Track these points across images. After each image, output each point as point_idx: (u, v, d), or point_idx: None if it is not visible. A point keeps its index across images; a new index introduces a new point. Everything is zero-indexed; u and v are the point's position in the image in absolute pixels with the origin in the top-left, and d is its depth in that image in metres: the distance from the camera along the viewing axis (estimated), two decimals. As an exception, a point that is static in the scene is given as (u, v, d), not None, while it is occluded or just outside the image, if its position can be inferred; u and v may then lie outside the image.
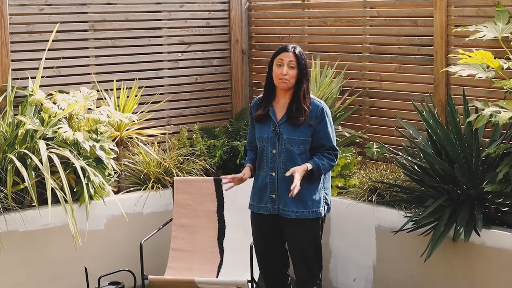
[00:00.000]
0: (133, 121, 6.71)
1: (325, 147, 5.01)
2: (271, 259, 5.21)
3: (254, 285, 5.64)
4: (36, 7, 6.62)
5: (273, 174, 5.01)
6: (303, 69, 4.98)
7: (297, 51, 4.98)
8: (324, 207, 5.06)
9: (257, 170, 5.14)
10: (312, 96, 5.08)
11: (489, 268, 5.35)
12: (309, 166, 4.92)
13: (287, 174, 4.87)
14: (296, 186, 4.80)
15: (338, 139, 6.56)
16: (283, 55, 4.98)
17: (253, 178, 5.22)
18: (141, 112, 6.95)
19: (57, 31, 6.61)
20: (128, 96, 6.82)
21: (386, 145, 6.38)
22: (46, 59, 6.53)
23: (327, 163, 4.98)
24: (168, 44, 7.34)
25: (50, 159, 5.91)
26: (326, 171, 5.03)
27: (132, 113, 6.77)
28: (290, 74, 4.95)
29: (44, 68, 6.52)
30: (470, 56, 5.39)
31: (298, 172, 4.85)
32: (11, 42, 6.49)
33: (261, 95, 5.16)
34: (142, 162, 6.77)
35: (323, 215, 5.07)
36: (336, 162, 5.06)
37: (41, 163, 5.81)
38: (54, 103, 6.34)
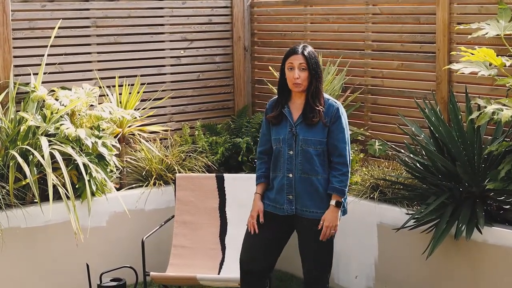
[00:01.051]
0: (135, 117, 6.71)
1: (337, 150, 4.92)
2: (260, 259, 5.10)
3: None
4: (38, 3, 6.63)
5: (290, 175, 4.96)
6: (312, 69, 4.91)
7: (306, 52, 4.91)
8: (341, 209, 5.01)
9: (272, 172, 5.07)
10: (327, 96, 5.02)
11: (491, 265, 5.35)
12: (332, 202, 4.91)
13: (319, 227, 4.92)
14: (324, 235, 4.91)
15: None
16: (293, 58, 4.92)
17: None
18: (143, 109, 6.95)
19: (59, 28, 6.61)
20: (130, 93, 6.82)
21: (388, 143, 6.38)
22: (48, 55, 6.53)
23: (344, 179, 4.92)
24: (171, 41, 7.34)
25: (52, 156, 5.92)
26: (347, 185, 4.97)
27: (134, 109, 6.77)
28: (302, 76, 4.89)
29: (46, 64, 6.53)
30: (472, 54, 5.39)
31: (330, 223, 4.90)
32: (14, 39, 6.49)
33: (276, 97, 5.13)
34: (144, 159, 6.77)
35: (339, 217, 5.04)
36: (348, 167, 4.94)
37: (43, 159, 5.82)
38: (56, 100, 6.34)
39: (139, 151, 6.84)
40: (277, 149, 5.01)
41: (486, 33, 5.56)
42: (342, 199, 4.96)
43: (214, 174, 6.38)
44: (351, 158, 5.04)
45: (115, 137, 6.54)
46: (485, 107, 5.20)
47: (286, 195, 4.98)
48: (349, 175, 4.98)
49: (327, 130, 4.93)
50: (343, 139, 4.93)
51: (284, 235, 5.11)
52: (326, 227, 4.91)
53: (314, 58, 4.93)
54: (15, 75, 6.47)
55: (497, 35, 5.56)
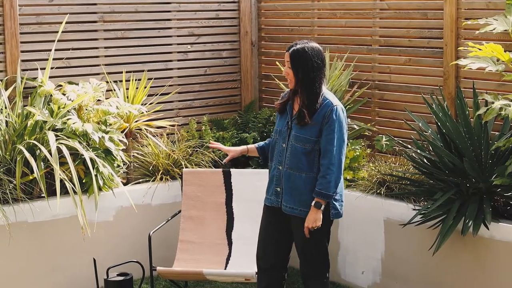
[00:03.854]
0: (142, 112, 6.71)
1: (324, 151, 4.86)
2: (270, 253, 5.14)
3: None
4: (45, -2, 6.65)
5: (280, 167, 4.99)
6: (295, 68, 4.85)
7: (291, 50, 4.85)
8: (329, 211, 4.95)
9: (269, 161, 5.14)
10: (329, 95, 4.93)
11: (498, 261, 5.34)
12: (312, 203, 4.87)
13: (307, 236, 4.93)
14: (306, 233, 4.92)
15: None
16: (285, 54, 4.92)
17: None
18: (150, 104, 6.96)
19: (66, 22, 6.62)
20: (137, 88, 6.83)
21: (395, 138, 6.37)
22: (55, 50, 6.54)
23: (324, 182, 4.83)
24: (178, 36, 7.34)
25: (59, 150, 5.93)
26: (332, 188, 4.85)
27: (141, 104, 6.77)
28: (290, 74, 4.89)
29: (54, 59, 6.53)
30: (480, 49, 5.37)
31: (309, 224, 4.89)
32: (21, 33, 6.50)
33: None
34: (151, 154, 6.78)
35: (331, 219, 5.00)
36: (331, 170, 4.82)
37: (50, 154, 5.82)
38: (64, 94, 6.34)
39: (146, 146, 6.84)
40: (274, 140, 5.08)
41: (494, 29, 5.55)
42: (325, 202, 4.86)
43: (221, 169, 6.37)
44: (342, 160, 4.88)
45: (122, 132, 6.54)
46: (493, 102, 5.19)
47: (274, 187, 5.03)
48: (336, 178, 4.85)
49: (319, 130, 4.88)
50: (331, 141, 4.84)
51: (284, 227, 5.11)
52: (306, 227, 4.90)
53: (301, 57, 4.85)
54: (23, 70, 6.48)
55: (505, 30, 5.55)
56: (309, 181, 4.91)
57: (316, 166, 4.92)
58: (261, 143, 5.27)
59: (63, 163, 5.99)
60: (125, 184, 6.57)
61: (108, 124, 6.37)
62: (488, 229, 5.29)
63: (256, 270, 5.38)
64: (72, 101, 6.27)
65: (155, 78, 7.13)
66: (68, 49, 6.74)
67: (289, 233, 5.13)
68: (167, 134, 7.06)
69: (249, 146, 5.30)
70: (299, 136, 4.92)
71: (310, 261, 5.05)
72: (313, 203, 4.87)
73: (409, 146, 6.04)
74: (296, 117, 4.94)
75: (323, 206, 4.87)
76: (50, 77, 6.46)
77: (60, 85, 6.54)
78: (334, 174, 4.85)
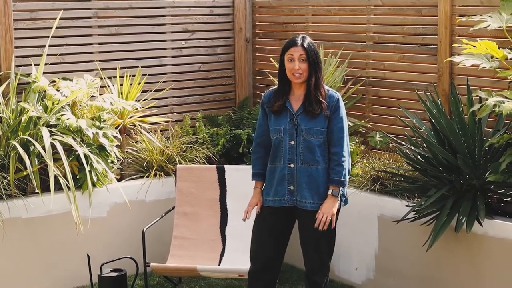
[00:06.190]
0: (136, 108, 6.71)
1: (334, 140, 4.94)
2: (269, 255, 5.10)
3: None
4: (39, -6, 6.63)
5: (292, 165, 4.96)
6: (312, 61, 4.94)
7: (305, 44, 4.93)
8: (342, 199, 5.01)
9: (271, 163, 5.07)
10: (327, 87, 5.05)
11: (491, 258, 5.36)
12: (329, 192, 4.92)
13: (320, 229, 4.90)
14: (325, 224, 4.90)
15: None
16: (293, 50, 4.93)
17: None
18: (144, 100, 6.96)
19: (60, 18, 6.61)
20: (131, 84, 6.82)
21: (389, 135, 6.37)
22: (49, 46, 6.52)
23: (340, 169, 4.91)
24: (172, 32, 7.33)
25: (53, 146, 5.92)
26: (347, 175, 4.96)
27: (135, 100, 6.77)
28: (302, 68, 4.92)
29: (48, 55, 6.52)
30: (474, 46, 5.38)
31: (325, 214, 4.90)
32: (15, 29, 6.49)
33: (273, 88, 5.11)
34: (145, 150, 6.77)
35: (339, 207, 5.03)
36: (344, 158, 4.93)
37: (44, 150, 5.82)
38: (58, 90, 6.34)
39: (140, 142, 6.84)
40: (277, 139, 5.01)
41: (488, 26, 5.55)
42: (340, 189, 4.95)
43: (214, 166, 6.38)
44: (349, 148, 5.04)
45: (116, 128, 6.54)
46: (487, 99, 5.20)
47: (287, 186, 4.98)
48: (348, 165, 4.98)
49: (327, 120, 4.95)
50: (341, 129, 4.96)
51: (286, 228, 5.11)
52: (322, 214, 4.90)
53: (313, 49, 4.96)
54: (17, 66, 6.47)
55: (499, 27, 5.55)
56: (325, 173, 4.96)
57: (327, 157, 4.97)
58: (257, 172, 5.15)
59: (57, 159, 5.98)
60: (119, 180, 6.56)
61: (102, 120, 6.37)
62: (481, 225, 5.30)
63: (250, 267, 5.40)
64: (66, 97, 6.26)
65: (149, 74, 7.12)
66: (62, 45, 6.73)
67: (289, 232, 5.13)
68: (161, 130, 7.06)
69: (257, 183, 5.16)
70: (311, 129, 4.94)
71: (323, 255, 5.03)
72: (330, 192, 4.92)
73: (403, 143, 6.05)
74: (304, 110, 4.94)
75: (339, 194, 4.95)
76: (44, 73, 6.45)
77: (54, 81, 6.53)
78: (347, 161, 4.97)
